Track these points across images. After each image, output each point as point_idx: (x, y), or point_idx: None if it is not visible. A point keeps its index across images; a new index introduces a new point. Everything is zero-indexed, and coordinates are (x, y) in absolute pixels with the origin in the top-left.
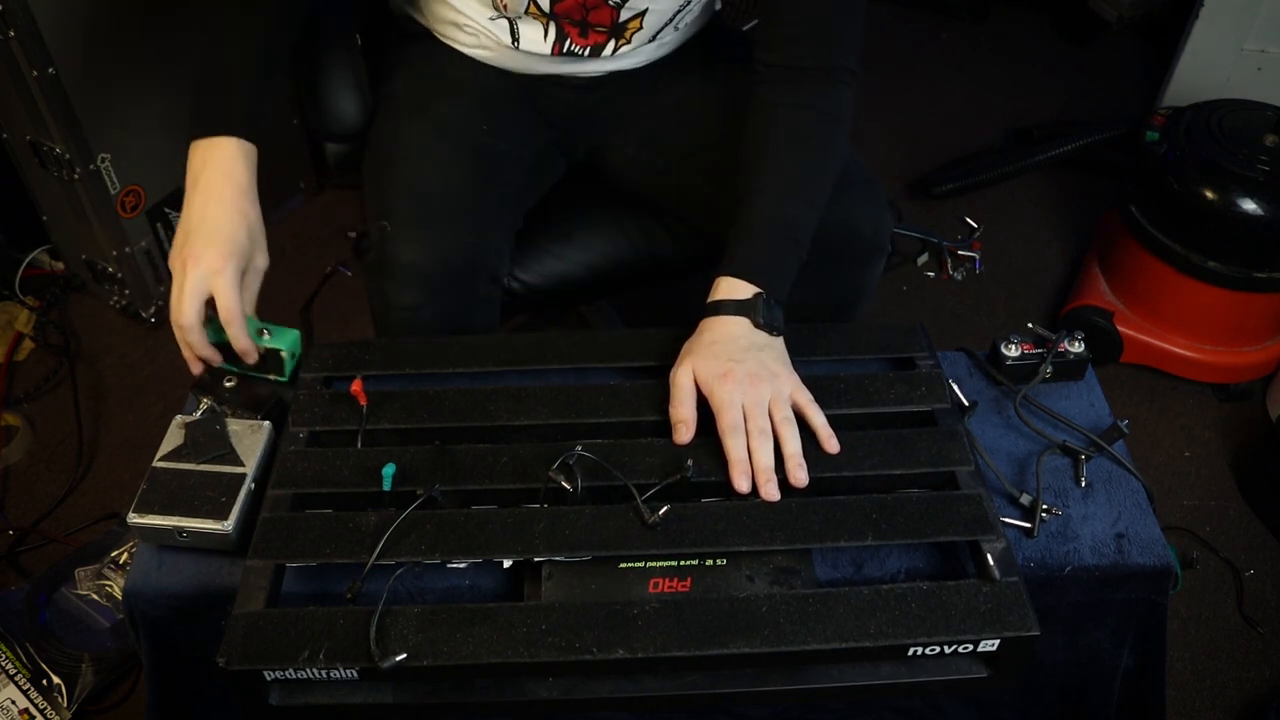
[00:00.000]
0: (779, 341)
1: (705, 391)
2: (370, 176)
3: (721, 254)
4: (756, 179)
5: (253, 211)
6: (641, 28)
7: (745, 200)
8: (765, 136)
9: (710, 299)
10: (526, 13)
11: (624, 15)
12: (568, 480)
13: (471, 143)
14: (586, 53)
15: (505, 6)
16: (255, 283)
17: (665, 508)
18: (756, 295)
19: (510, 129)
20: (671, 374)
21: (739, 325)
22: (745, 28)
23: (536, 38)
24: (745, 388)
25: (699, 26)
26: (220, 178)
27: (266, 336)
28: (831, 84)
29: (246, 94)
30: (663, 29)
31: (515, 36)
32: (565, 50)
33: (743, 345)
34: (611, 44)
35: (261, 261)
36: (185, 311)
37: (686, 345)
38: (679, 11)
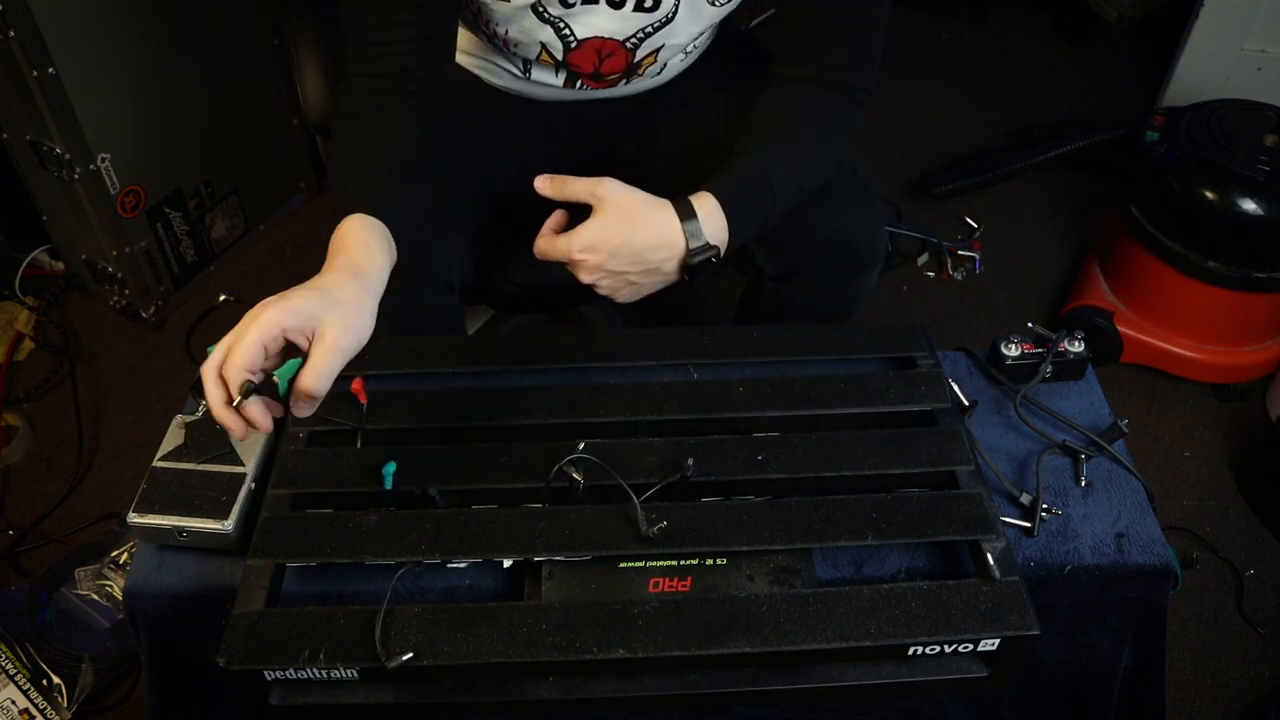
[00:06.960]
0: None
1: (569, 261)
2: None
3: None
4: (761, 134)
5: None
6: (655, 60)
7: (747, 147)
8: (776, 108)
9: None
10: (538, 59)
11: (639, 55)
12: (568, 480)
13: (448, 154)
14: (599, 92)
15: (514, 50)
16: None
17: (663, 524)
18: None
19: (505, 139)
20: (574, 234)
21: (668, 250)
22: (749, 26)
23: (548, 77)
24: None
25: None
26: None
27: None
28: (846, 96)
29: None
30: (673, 59)
31: (527, 72)
32: (577, 87)
33: (647, 267)
34: (624, 81)
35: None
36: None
37: (613, 207)
38: (692, 42)
